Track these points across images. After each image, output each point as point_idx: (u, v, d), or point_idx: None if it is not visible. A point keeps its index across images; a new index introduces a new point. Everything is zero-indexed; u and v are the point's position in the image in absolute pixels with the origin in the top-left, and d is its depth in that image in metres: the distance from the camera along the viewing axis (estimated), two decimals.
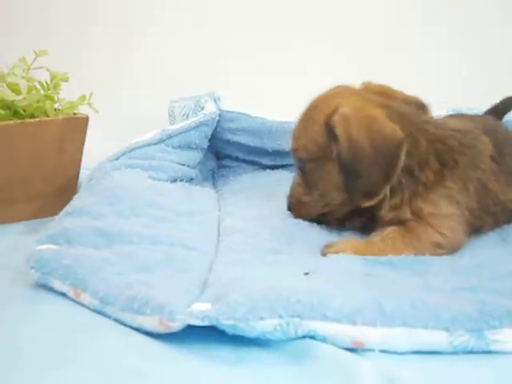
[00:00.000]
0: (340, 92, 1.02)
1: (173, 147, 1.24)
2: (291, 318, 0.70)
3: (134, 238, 0.91)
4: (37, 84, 1.18)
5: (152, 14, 1.57)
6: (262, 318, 0.69)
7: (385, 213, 0.98)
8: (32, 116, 1.14)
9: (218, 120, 1.32)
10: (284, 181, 1.26)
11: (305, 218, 1.05)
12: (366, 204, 0.95)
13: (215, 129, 1.32)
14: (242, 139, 1.34)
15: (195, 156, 1.27)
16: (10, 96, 1.10)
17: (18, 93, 1.12)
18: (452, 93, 1.46)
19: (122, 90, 1.56)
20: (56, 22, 1.53)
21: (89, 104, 1.18)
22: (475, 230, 1.01)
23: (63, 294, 0.82)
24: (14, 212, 1.14)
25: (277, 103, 1.43)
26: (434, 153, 0.97)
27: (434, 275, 0.86)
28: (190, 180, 1.24)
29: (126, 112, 1.55)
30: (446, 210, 0.96)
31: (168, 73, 1.57)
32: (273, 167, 1.38)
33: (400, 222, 0.96)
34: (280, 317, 0.70)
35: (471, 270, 0.88)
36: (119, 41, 1.57)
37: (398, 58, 1.59)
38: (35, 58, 1.16)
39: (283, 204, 1.09)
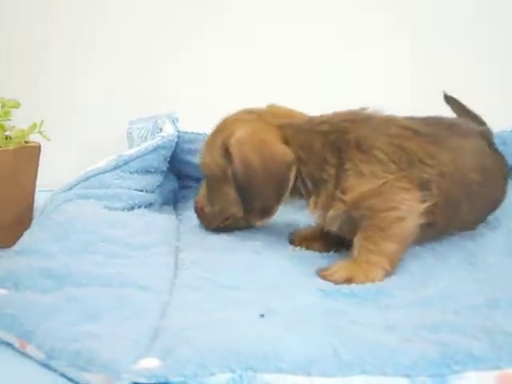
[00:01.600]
0: (240, 117, 1.07)
1: (130, 172, 1.19)
2: (244, 372, 0.67)
3: (83, 279, 0.87)
4: None
5: (99, 38, 1.53)
6: (212, 374, 0.66)
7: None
8: None
9: (177, 141, 1.28)
10: None
11: (207, 228, 1.12)
12: (261, 224, 1.04)
13: (175, 150, 1.29)
14: None
15: (154, 180, 1.23)
16: None
17: None
18: None
19: (73, 116, 1.51)
20: (6, 49, 1.48)
21: (40, 132, 1.14)
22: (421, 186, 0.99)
23: (9, 344, 0.79)
24: None
25: None
26: (329, 147, 1.00)
27: (396, 309, 0.83)
28: (149, 205, 1.19)
29: (79, 138, 1.50)
30: (367, 187, 0.97)
31: (120, 96, 1.53)
32: None
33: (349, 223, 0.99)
34: (232, 371, 0.66)
35: (434, 302, 0.85)
36: (69, 66, 1.52)
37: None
38: None
39: (245, 232, 1.10)
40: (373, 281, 0.92)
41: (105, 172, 1.16)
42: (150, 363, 0.68)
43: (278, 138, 1.01)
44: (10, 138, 1.14)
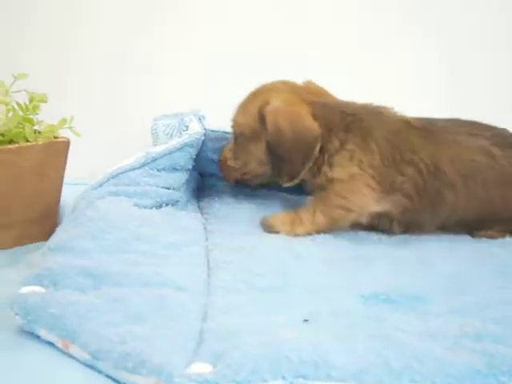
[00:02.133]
0: (277, 87, 1.19)
1: (157, 170, 1.19)
2: (295, 379, 0.67)
3: (122, 279, 0.86)
4: (15, 105, 1.13)
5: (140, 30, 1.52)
6: (265, 380, 0.66)
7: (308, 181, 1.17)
8: (11, 141, 1.09)
9: (203, 139, 1.28)
10: (269, 201, 1.27)
11: (226, 178, 1.26)
12: (287, 185, 1.16)
13: (200, 148, 1.28)
14: None
15: (180, 178, 1.23)
16: None
17: None
18: None
19: (99, 112, 1.51)
20: (34, 46, 1.47)
21: (70, 128, 1.13)
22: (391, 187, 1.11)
23: (51, 344, 0.78)
24: None
25: None
26: (343, 126, 1.14)
27: (436, 317, 0.84)
28: (176, 203, 1.19)
29: (108, 133, 1.50)
30: (346, 171, 1.11)
31: (148, 92, 1.53)
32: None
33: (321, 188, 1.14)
34: (284, 378, 0.66)
35: (473, 310, 0.85)
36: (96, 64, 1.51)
37: None
38: (14, 81, 1.11)
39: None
40: (293, 233, 1.11)
41: (133, 169, 1.17)
42: (203, 368, 0.68)
43: (308, 113, 1.13)
44: (39, 133, 1.13)
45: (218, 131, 1.30)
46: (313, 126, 1.12)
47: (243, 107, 1.20)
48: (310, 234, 1.12)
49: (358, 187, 1.11)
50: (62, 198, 1.17)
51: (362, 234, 1.16)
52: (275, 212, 1.19)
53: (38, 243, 1.12)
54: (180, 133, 1.28)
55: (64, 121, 1.13)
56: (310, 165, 1.12)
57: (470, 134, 1.16)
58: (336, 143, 1.13)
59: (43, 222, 1.14)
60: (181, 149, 1.22)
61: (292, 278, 0.93)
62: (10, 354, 0.77)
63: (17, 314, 0.80)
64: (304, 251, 1.04)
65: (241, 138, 1.19)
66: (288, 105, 1.14)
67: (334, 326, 0.78)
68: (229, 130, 1.27)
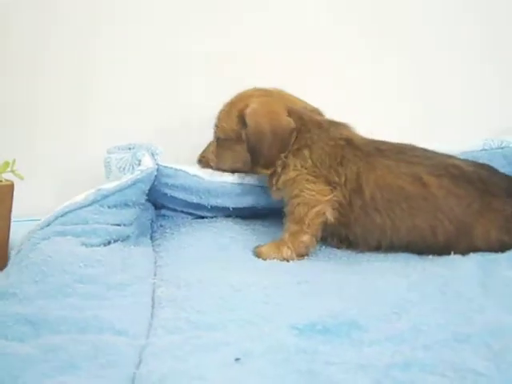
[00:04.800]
0: (254, 92, 1.32)
1: (108, 207, 1.20)
2: None
3: (60, 326, 0.87)
4: None
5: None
6: None
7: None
8: None
9: (156, 174, 1.28)
10: (224, 233, 1.28)
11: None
12: (264, 172, 1.27)
13: (153, 182, 1.29)
14: (180, 195, 1.32)
15: (131, 213, 1.23)
16: None
17: None
18: None
19: (45, 150, 1.51)
20: None
21: (12, 171, 1.14)
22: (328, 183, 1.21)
23: None
24: None
25: None
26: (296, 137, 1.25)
27: (370, 345, 0.85)
28: (127, 238, 1.20)
29: (53, 172, 1.50)
30: (290, 175, 1.23)
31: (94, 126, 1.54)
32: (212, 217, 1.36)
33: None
34: None
35: (407, 336, 0.87)
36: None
37: None
38: None
39: (222, 265, 1.13)
40: (281, 257, 1.19)
41: (83, 207, 1.17)
42: None
43: (283, 110, 1.27)
44: None
45: (170, 168, 1.31)
46: (288, 121, 1.26)
47: (225, 114, 1.32)
48: (300, 251, 1.20)
49: (301, 185, 1.22)
50: (11, 239, 1.18)
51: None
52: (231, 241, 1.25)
53: None
54: (133, 167, 1.28)
55: (7, 164, 1.14)
56: (285, 154, 1.24)
57: (407, 161, 1.22)
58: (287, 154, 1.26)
59: None
60: (133, 185, 1.22)
61: (229, 312, 0.94)
62: None
63: None
64: (248, 280, 1.06)
65: (227, 142, 1.32)
66: (265, 105, 1.28)
67: (264, 365, 0.78)
68: (181, 167, 1.31)
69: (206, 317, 0.93)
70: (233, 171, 1.34)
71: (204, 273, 1.09)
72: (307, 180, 1.22)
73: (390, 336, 0.87)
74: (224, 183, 1.32)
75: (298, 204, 1.21)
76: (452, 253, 1.17)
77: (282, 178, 1.25)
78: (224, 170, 1.34)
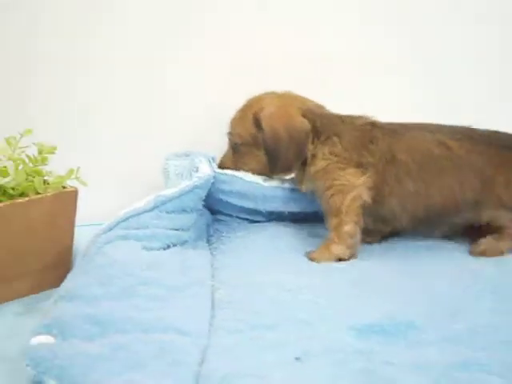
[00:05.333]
0: (267, 96, 1.33)
1: (167, 212, 1.23)
2: None
3: (127, 325, 0.91)
4: (25, 157, 1.19)
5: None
6: None
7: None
8: (22, 193, 1.15)
9: (212, 181, 1.32)
10: (279, 236, 1.31)
11: None
12: (283, 177, 1.33)
13: (209, 188, 1.32)
14: (236, 201, 1.35)
15: (189, 219, 1.27)
16: None
17: (6, 175, 1.13)
18: None
19: (107, 153, 1.56)
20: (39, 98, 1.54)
21: (77, 178, 1.18)
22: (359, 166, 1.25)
23: None
24: (10, 290, 1.14)
25: None
26: (319, 129, 1.28)
27: (428, 345, 0.87)
28: (184, 243, 1.24)
29: (115, 177, 1.55)
30: (320, 166, 1.25)
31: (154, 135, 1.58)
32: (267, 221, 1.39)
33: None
34: None
35: (464, 338, 0.88)
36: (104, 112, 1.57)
37: None
38: (20, 138, 1.17)
39: (277, 267, 1.16)
40: (333, 256, 1.20)
41: (143, 212, 1.20)
42: None
43: (298, 113, 1.28)
44: (48, 184, 1.18)
45: (226, 174, 1.34)
46: (303, 124, 1.27)
47: (239, 118, 1.33)
48: (347, 243, 1.22)
49: (333, 174, 1.24)
50: (75, 243, 1.22)
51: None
52: (286, 245, 1.28)
53: (53, 290, 1.17)
54: (190, 174, 1.31)
55: (71, 172, 1.19)
56: (303, 158, 1.27)
57: (428, 130, 1.28)
58: (310, 146, 1.28)
59: (57, 269, 1.19)
60: (191, 191, 1.26)
61: (286, 313, 0.97)
62: None
63: (27, 366, 0.84)
64: (303, 282, 1.09)
65: (243, 147, 1.33)
66: (279, 108, 1.29)
67: (323, 365, 0.81)
68: (237, 174, 1.34)
69: (264, 318, 0.96)
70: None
71: (260, 275, 1.12)
72: (338, 168, 1.24)
73: (447, 337, 0.89)
74: (279, 188, 1.35)
75: (332, 195, 1.23)
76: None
77: (312, 168, 1.27)
78: None
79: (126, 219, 1.20)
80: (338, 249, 1.21)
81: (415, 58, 1.60)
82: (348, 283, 1.09)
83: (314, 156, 1.27)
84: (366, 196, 1.23)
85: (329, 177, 1.24)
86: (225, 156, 1.38)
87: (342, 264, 1.19)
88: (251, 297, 1.03)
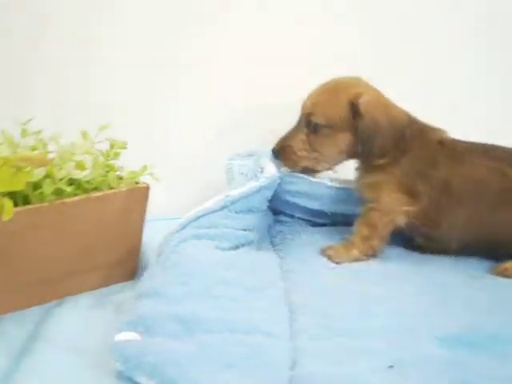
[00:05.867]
0: (359, 82, 1.30)
1: (235, 212, 1.24)
2: None
3: (212, 325, 0.91)
4: (97, 152, 1.19)
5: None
6: None
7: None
8: (96, 188, 1.15)
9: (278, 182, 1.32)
10: (340, 236, 1.31)
11: (290, 166, 1.33)
12: (380, 162, 1.25)
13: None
14: (301, 201, 1.36)
15: (255, 219, 1.27)
16: (76, 174, 1.11)
17: (83, 168, 1.14)
18: None
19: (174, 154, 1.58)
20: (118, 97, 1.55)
21: (150, 174, 1.19)
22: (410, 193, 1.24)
23: None
24: (82, 282, 1.15)
25: None
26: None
27: None
28: (251, 243, 1.24)
29: (184, 176, 1.56)
30: (374, 178, 1.25)
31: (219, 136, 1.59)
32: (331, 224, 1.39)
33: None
34: None
35: None
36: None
37: None
38: (98, 133, 1.17)
39: (347, 271, 1.18)
40: (352, 257, 1.23)
41: (213, 212, 1.21)
42: None
43: (394, 105, 1.28)
44: (121, 179, 1.19)
45: (293, 175, 1.35)
46: (403, 113, 1.28)
47: (327, 101, 1.28)
48: (368, 253, 1.24)
49: (381, 191, 1.24)
50: (144, 239, 1.23)
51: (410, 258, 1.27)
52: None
53: (122, 284, 1.20)
54: (255, 175, 1.31)
55: (145, 168, 1.19)
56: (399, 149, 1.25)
57: (492, 156, 1.25)
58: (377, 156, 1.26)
59: (127, 264, 1.21)
60: (258, 192, 1.26)
61: (368, 320, 0.97)
62: None
63: (117, 361, 0.86)
64: (377, 288, 1.09)
65: (324, 129, 1.27)
66: (378, 97, 1.28)
67: (418, 374, 0.81)
68: (302, 174, 1.34)
69: (347, 324, 0.96)
70: (327, 162, 1.32)
71: (332, 279, 1.13)
72: (388, 188, 1.24)
73: None
74: (346, 189, 1.35)
75: (373, 209, 1.25)
76: None
77: (369, 178, 1.27)
78: (316, 161, 1.31)
79: (197, 218, 1.20)
80: (357, 254, 1.24)
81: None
82: (421, 292, 1.09)
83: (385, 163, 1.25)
84: (402, 222, 1.25)
85: (377, 192, 1.25)
86: (293, 138, 1.31)
87: (413, 272, 1.18)
88: (328, 302, 1.04)
